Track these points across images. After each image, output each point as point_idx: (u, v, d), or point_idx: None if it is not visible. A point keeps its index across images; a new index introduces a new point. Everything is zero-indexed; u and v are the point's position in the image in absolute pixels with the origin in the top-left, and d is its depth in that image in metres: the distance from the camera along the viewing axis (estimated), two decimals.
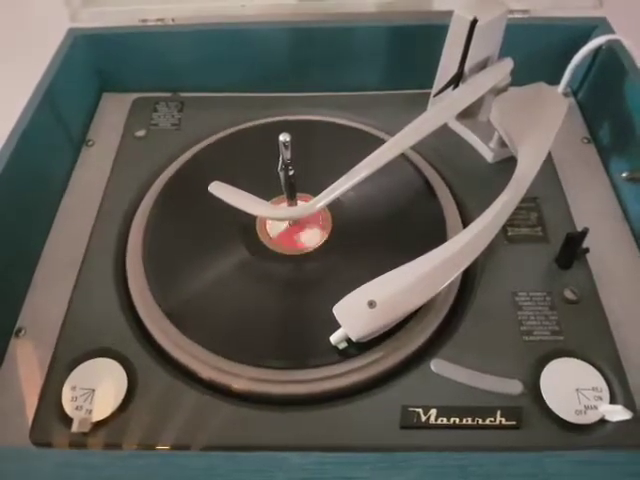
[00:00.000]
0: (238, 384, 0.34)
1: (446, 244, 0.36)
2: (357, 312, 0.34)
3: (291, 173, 0.38)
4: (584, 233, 0.37)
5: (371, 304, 0.34)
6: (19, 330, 0.39)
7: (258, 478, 0.19)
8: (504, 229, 0.41)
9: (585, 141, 0.49)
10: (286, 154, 0.36)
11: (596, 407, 0.32)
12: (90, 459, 0.22)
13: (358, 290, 0.34)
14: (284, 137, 0.35)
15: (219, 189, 0.38)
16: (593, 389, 0.33)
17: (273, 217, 0.40)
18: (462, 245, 0.36)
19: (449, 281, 0.35)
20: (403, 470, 0.19)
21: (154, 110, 0.52)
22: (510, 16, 0.44)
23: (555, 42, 0.50)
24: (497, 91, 0.44)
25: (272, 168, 0.40)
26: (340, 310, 0.34)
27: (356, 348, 0.35)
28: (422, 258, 0.35)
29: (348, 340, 0.35)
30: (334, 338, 0.35)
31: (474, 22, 0.41)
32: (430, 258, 0.35)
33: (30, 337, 0.38)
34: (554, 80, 0.48)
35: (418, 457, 0.20)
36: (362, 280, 0.35)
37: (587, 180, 0.46)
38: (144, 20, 0.54)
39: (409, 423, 0.32)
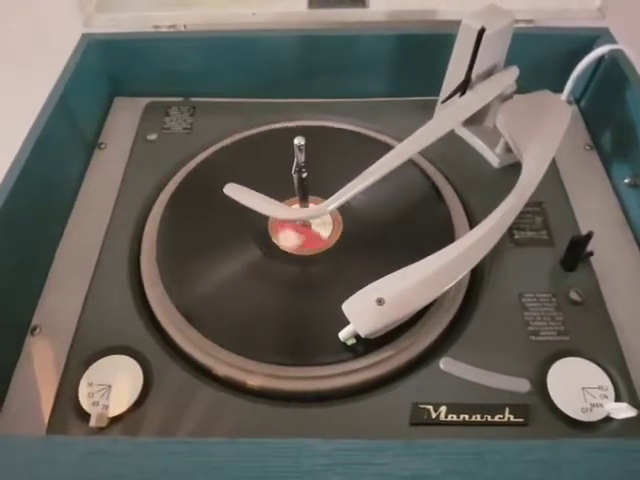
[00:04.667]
0: (252, 381, 0.35)
1: (453, 244, 0.37)
2: (366, 309, 0.35)
3: (304, 175, 0.39)
4: (589, 236, 0.38)
5: (379, 301, 0.34)
6: (34, 328, 0.39)
7: (283, 463, 0.20)
8: (510, 233, 0.42)
9: (588, 148, 0.50)
10: (300, 157, 0.37)
11: (602, 405, 0.33)
12: (116, 446, 0.22)
13: (367, 288, 0.35)
14: (299, 140, 0.36)
15: (234, 190, 0.39)
16: (599, 388, 0.34)
17: (287, 218, 0.41)
18: (469, 245, 0.37)
19: (456, 280, 0.36)
20: (423, 457, 0.20)
21: (166, 114, 0.53)
22: (515, 26, 0.45)
23: (559, 51, 0.51)
24: (503, 98, 0.45)
25: (281, 172, 0.41)
26: (349, 307, 0.35)
27: (365, 345, 0.36)
28: (430, 258, 0.36)
29: (357, 337, 0.35)
30: (343, 334, 0.36)
31: (482, 31, 0.42)
32: (437, 258, 0.36)
33: (45, 335, 0.39)
34: (557, 88, 0.49)
35: (437, 445, 0.21)
36: (371, 280, 0.35)
37: (590, 186, 0.47)
38: (156, 26, 0.55)
39: (419, 420, 0.33)
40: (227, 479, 0.20)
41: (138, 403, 0.34)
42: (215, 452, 0.20)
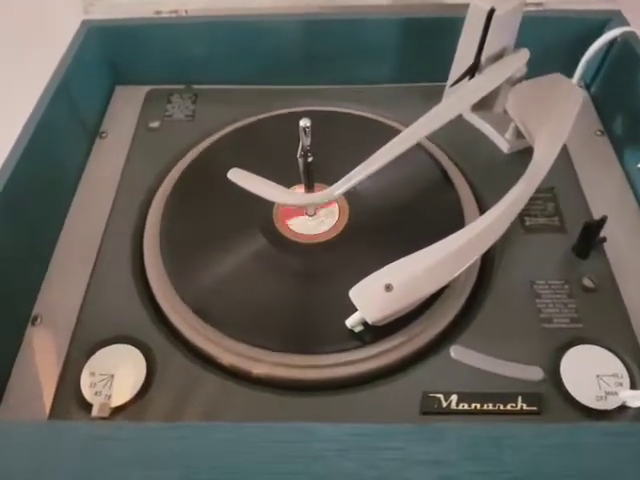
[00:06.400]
0: (258, 369, 0.34)
1: (463, 230, 0.36)
2: (373, 295, 0.34)
3: (310, 160, 0.38)
4: (603, 221, 0.37)
5: (388, 287, 0.34)
6: (35, 318, 0.38)
7: (293, 448, 0.19)
8: (522, 219, 0.41)
9: (599, 133, 0.49)
10: (306, 140, 0.37)
11: (616, 393, 0.32)
12: (121, 432, 0.22)
13: (375, 274, 0.34)
14: (304, 122, 0.35)
15: (238, 175, 0.38)
16: (613, 375, 0.33)
17: (292, 203, 0.40)
18: (479, 231, 0.36)
19: (466, 266, 0.35)
20: (437, 441, 0.19)
21: (168, 102, 0.52)
22: (524, 9, 0.44)
23: (569, 35, 0.50)
24: (513, 82, 0.44)
25: (285, 160, 0.40)
26: (356, 293, 0.34)
27: (372, 332, 0.35)
28: (439, 243, 0.35)
29: (364, 324, 0.35)
30: (350, 321, 0.35)
31: (491, 12, 0.41)
32: (447, 243, 0.35)
33: (46, 325, 0.38)
34: (567, 73, 0.48)
35: (452, 428, 0.20)
36: (379, 267, 0.35)
37: (602, 171, 0.46)
38: (158, 12, 0.54)
39: (430, 409, 0.32)
40: (234, 464, 0.19)
41: (141, 393, 0.33)
42: (223, 437, 0.20)
